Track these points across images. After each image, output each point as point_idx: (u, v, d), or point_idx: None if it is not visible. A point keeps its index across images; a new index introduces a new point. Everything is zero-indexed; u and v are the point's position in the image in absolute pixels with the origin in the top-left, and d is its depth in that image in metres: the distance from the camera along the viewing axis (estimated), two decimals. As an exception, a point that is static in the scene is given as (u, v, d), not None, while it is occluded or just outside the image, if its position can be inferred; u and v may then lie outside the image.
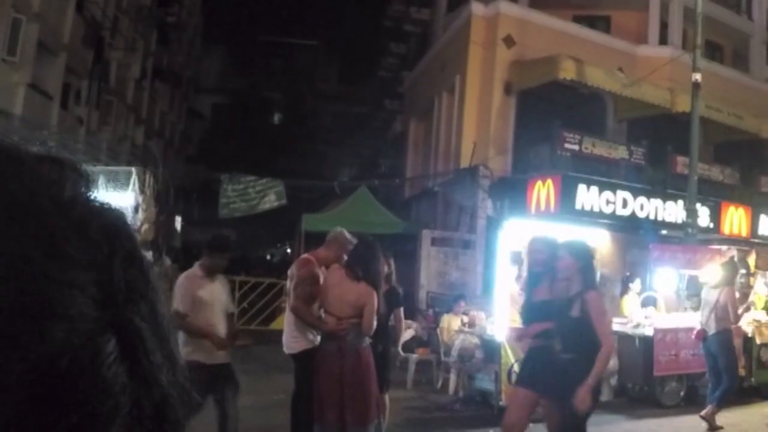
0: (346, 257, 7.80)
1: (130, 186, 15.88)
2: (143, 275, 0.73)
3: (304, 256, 8.16)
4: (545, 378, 7.33)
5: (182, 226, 41.00)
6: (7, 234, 0.63)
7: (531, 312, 7.90)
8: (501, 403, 11.62)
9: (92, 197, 0.72)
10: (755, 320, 14.31)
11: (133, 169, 16.78)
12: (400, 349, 13.04)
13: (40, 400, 0.61)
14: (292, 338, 8.13)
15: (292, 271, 8.17)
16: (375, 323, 7.44)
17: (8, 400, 0.59)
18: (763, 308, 15.71)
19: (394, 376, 10.29)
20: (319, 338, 7.76)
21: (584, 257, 7.33)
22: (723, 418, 12.68)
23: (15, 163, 0.66)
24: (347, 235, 8.00)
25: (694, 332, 12.32)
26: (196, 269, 7.92)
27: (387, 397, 9.79)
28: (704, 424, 11.81)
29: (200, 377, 6.76)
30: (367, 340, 7.64)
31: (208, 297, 7.59)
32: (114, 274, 0.69)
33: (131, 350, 0.67)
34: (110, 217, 0.72)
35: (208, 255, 7.92)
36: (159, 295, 0.75)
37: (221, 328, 7.62)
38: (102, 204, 0.72)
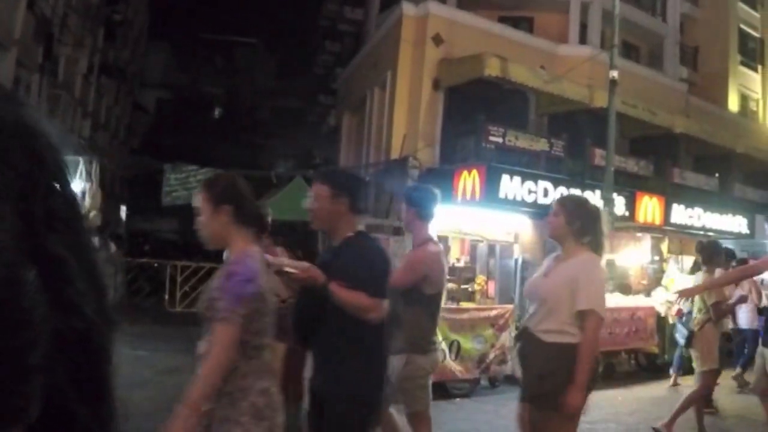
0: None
1: (77, 175, 15.73)
2: (68, 204, 0.72)
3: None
4: None
5: (127, 215, 40.65)
6: None
7: None
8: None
9: (20, 124, 0.67)
10: (668, 301, 14.53)
11: (81, 159, 16.60)
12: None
13: None
14: None
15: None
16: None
17: None
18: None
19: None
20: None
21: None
22: (640, 391, 12.92)
23: None
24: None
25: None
26: None
27: None
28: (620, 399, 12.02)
29: None
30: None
31: None
32: (35, 203, 0.66)
33: (53, 280, 0.65)
34: (35, 145, 0.69)
35: None
36: (85, 223, 0.75)
37: None
38: (29, 131, 0.68)
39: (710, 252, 9.61)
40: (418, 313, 6.08)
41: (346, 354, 4.59)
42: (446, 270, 6.51)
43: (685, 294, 8.53)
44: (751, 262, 11.49)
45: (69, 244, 0.69)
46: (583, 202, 5.76)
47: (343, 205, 4.75)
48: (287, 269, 4.51)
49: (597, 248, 5.43)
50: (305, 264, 4.68)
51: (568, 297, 5.21)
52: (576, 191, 18.63)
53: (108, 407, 0.72)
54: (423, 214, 6.29)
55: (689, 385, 10.60)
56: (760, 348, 8.19)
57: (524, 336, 5.58)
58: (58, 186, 0.71)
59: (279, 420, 3.86)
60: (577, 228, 5.39)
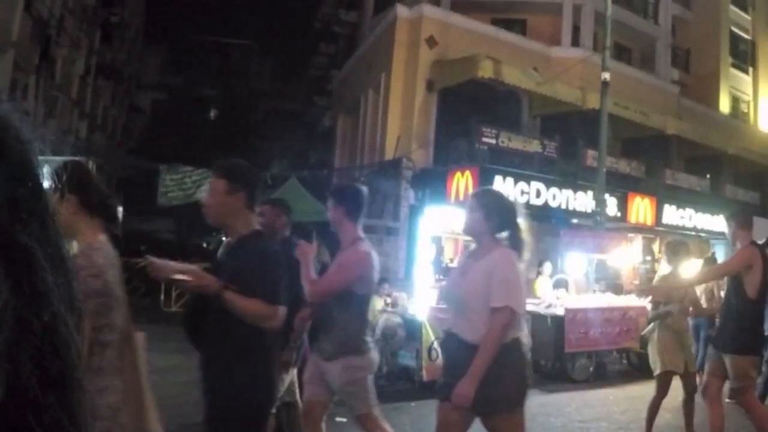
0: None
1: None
2: (34, 193, 0.71)
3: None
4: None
5: (123, 215, 40.57)
6: None
7: None
8: (423, 378, 11.78)
9: None
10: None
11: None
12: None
13: None
14: None
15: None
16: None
17: None
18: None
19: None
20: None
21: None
22: (631, 390, 12.93)
23: None
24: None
25: None
26: None
27: None
28: (612, 397, 12.01)
29: None
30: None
31: None
32: None
33: (17, 268, 0.65)
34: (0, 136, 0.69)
35: None
36: (52, 211, 0.74)
37: None
38: None
39: (672, 249, 9.54)
40: (350, 314, 5.75)
41: (231, 358, 4.33)
42: (378, 268, 6.00)
43: (647, 293, 8.43)
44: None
45: (35, 235, 0.68)
46: (500, 197, 5.52)
47: (240, 201, 4.50)
48: (177, 277, 4.33)
49: (516, 244, 5.17)
50: (197, 270, 4.52)
51: (485, 295, 4.95)
52: (568, 192, 18.69)
53: (76, 396, 0.71)
54: (352, 213, 5.92)
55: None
56: (710, 350, 8.18)
57: (450, 339, 5.26)
58: (24, 175, 0.70)
59: (120, 419, 3.62)
60: (495, 224, 5.15)
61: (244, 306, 4.20)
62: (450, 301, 5.46)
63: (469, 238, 17.50)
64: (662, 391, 8.80)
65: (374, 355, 5.88)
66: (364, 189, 6.32)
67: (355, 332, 5.74)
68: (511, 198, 5.66)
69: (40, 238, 0.69)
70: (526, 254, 5.22)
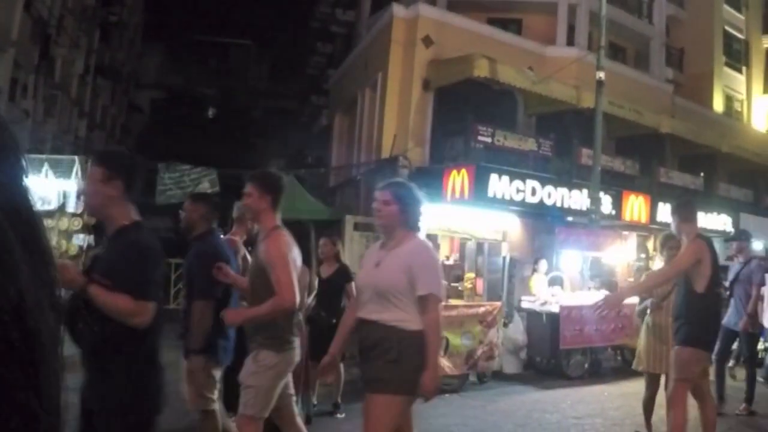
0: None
1: (73, 174, 15.71)
2: (8, 186, 0.72)
3: (227, 237, 8.11)
4: None
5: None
6: None
7: None
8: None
9: None
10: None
11: (76, 159, 16.58)
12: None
13: None
14: None
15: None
16: (299, 298, 7.40)
17: None
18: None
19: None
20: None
21: None
22: (625, 387, 12.95)
23: None
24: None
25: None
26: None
27: (342, 367, 9.87)
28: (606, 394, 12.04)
29: None
30: (300, 315, 7.66)
31: None
32: None
33: None
34: None
35: None
36: (30, 206, 0.74)
37: None
38: None
39: (660, 242, 9.52)
40: None
41: (110, 361, 3.97)
42: (299, 258, 5.72)
43: (605, 307, 8.10)
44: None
45: (5, 212, 0.68)
46: (413, 190, 5.39)
47: (117, 190, 4.19)
48: None
49: (419, 232, 5.31)
50: (64, 263, 4.26)
51: (406, 285, 4.96)
52: (563, 190, 18.69)
53: (47, 379, 0.70)
54: (276, 202, 5.65)
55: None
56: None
57: (365, 326, 5.16)
58: None
59: None
60: (408, 216, 5.18)
61: (109, 302, 3.92)
62: (365, 292, 5.28)
63: (466, 237, 17.50)
64: (650, 387, 8.79)
65: (292, 356, 5.59)
66: (286, 179, 6.08)
67: (276, 328, 5.49)
68: (418, 190, 5.45)
69: (9, 213, 0.69)
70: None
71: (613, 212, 19.78)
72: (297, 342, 5.66)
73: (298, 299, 5.35)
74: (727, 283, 11.17)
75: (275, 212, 5.66)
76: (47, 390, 0.70)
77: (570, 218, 19.43)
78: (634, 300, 14.50)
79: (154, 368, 4.25)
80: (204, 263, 6.59)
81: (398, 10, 22.31)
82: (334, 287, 9.88)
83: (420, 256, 5.09)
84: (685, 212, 7.79)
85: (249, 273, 5.94)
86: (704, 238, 7.60)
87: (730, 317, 11.33)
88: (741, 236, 12.24)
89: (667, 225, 21.16)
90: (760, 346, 14.16)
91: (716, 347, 11.28)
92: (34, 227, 0.74)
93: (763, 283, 12.01)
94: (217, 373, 6.41)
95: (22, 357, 0.67)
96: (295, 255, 5.59)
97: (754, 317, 11.60)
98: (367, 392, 5.13)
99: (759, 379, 13.36)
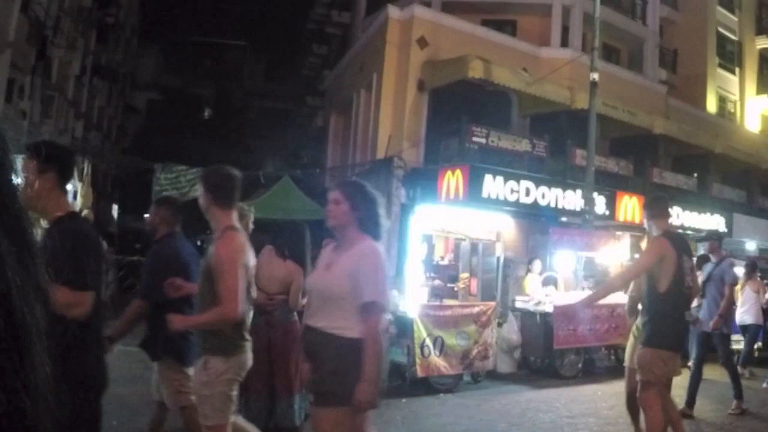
0: (251, 226, 7.63)
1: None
2: None
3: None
4: None
5: (118, 214, 40.64)
6: None
7: None
8: (417, 374, 11.81)
9: None
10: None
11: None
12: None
13: None
14: None
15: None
16: (301, 298, 7.41)
17: None
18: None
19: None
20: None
21: None
22: (619, 387, 12.97)
23: None
24: (244, 206, 7.61)
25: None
26: None
27: None
28: (600, 393, 12.05)
29: None
30: (295, 315, 7.65)
31: None
32: None
33: None
34: None
35: None
36: (17, 200, 0.76)
37: None
38: None
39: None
40: None
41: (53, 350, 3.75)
42: (253, 260, 5.48)
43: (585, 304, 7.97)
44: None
45: None
46: (364, 187, 5.08)
47: (50, 181, 4.13)
48: None
49: (378, 236, 4.93)
50: None
51: (351, 290, 4.67)
52: (557, 190, 18.72)
53: (33, 366, 0.71)
54: (222, 200, 5.37)
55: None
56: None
57: (309, 334, 4.87)
58: None
59: None
60: (360, 215, 4.87)
61: None
62: (311, 295, 5.09)
63: (460, 237, 17.49)
64: (629, 384, 8.68)
65: (244, 359, 5.37)
66: (238, 175, 5.59)
67: (225, 331, 5.22)
68: (372, 189, 5.10)
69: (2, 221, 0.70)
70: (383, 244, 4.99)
71: (607, 213, 19.80)
72: (248, 345, 5.40)
73: (241, 309, 5.06)
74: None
75: (227, 211, 5.39)
76: (33, 378, 0.71)
77: (564, 219, 19.46)
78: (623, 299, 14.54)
79: (91, 360, 4.13)
80: (152, 267, 6.60)
81: (393, 12, 22.32)
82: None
83: (367, 260, 4.77)
84: (654, 208, 7.71)
85: (199, 274, 5.53)
86: (670, 235, 7.45)
87: (702, 318, 11.29)
88: (713, 236, 12.18)
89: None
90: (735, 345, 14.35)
91: (694, 351, 11.25)
92: (19, 220, 0.74)
93: (735, 283, 12.01)
94: (191, 370, 6.32)
95: (9, 347, 0.68)
96: (248, 259, 5.34)
97: (726, 317, 11.66)
98: (311, 404, 4.89)
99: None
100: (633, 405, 8.22)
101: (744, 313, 14.82)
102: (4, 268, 0.69)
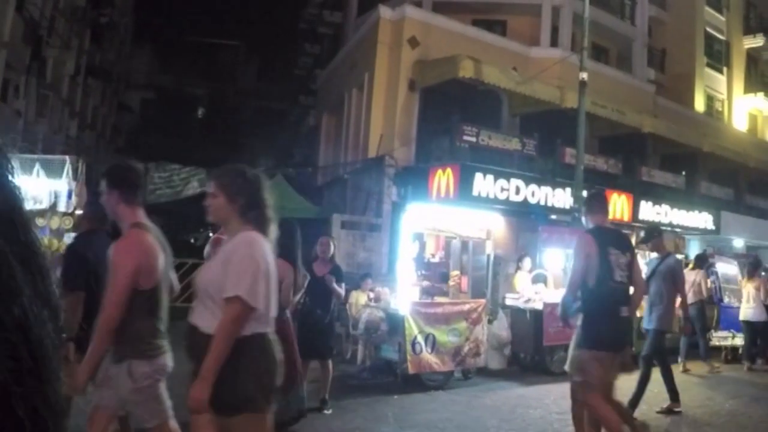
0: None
1: (64, 173, 15.69)
2: (2, 198, 0.73)
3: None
4: None
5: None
6: None
7: None
8: (408, 371, 11.81)
9: None
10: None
11: (67, 158, 16.55)
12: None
13: None
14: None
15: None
16: (292, 296, 7.39)
17: None
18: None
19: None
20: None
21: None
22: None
23: None
24: None
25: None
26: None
27: (330, 364, 9.91)
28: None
29: None
30: (287, 313, 7.64)
31: None
32: None
33: None
34: None
35: None
36: (21, 209, 0.76)
37: None
38: None
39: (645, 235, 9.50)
40: (135, 312, 4.81)
41: None
42: (162, 259, 5.03)
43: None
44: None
45: (4, 234, 0.70)
46: (241, 173, 4.63)
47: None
48: None
49: (262, 223, 4.52)
50: None
51: (223, 284, 4.27)
52: (547, 189, 18.75)
53: (51, 385, 0.73)
54: (128, 196, 5.08)
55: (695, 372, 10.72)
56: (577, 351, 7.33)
57: (192, 334, 4.42)
58: None
59: None
60: (240, 205, 4.48)
61: None
62: (196, 290, 4.57)
63: (451, 235, 17.52)
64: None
65: (165, 360, 5.03)
66: (140, 171, 5.40)
67: (142, 334, 4.90)
68: (253, 173, 4.73)
69: (8, 236, 0.71)
70: (273, 232, 4.61)
71: (596, 210, 19.83)
72: (167, 345, 5.05)
73: (118, 316, 4.63)
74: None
75: (131, 207, 5.09)
76: (51, 395, 0.73)
77: (553, 217, 19.48)
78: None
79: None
80: (67, 259, 6.68)
81: (385, 12, 22.34)
82: (329, 286, 9.95)
83: (237, 252, 4.37)
84: (590, 205, 7.65)
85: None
86: (596, 231, 7.28)
87: (645, 316, 11.12)
88: (653, 233, 11.93)
89: (649, 223, 21.33)
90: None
91: (646, 348, 11.03)
92: (31, 246, 0.75)
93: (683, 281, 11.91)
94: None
95: (29, 369, 0.69)
96: (154, 259, 4.96)
97: (688, 317, 11.75)
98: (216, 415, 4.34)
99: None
100: (577, 413, 7.63)
101: (748, 309, 15.12)
102: (23, 299, 0.70)
